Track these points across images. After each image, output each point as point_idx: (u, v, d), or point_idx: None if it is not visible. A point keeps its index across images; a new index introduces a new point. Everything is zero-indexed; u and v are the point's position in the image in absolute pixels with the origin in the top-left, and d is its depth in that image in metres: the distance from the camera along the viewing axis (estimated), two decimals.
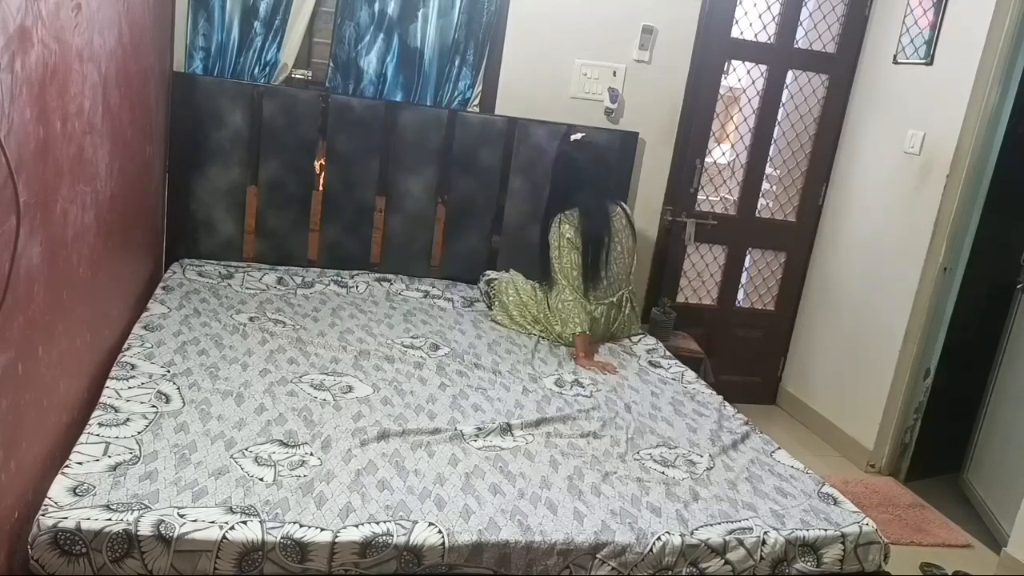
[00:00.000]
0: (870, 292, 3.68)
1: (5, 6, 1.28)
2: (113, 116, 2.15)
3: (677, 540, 1.77)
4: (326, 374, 2.38)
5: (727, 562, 1.79)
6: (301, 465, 1.84)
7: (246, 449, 1.88)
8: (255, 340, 2.55)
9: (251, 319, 2.73)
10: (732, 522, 1.87)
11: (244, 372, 2.30)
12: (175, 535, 1.51)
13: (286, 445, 1.92)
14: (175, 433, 1.90)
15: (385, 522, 1.65)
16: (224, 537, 1.53)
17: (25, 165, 1.42)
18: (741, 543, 1.81)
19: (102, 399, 1.98)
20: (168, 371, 2.21)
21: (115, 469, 1.69)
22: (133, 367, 2.19)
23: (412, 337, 2.80)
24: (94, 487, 1.62)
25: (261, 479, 1.75)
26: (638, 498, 1.93)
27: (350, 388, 2.31)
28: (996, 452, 3.30)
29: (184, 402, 2.06)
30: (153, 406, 2.00)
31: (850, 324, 3.78)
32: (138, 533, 1.50)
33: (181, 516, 1.56)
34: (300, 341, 2.59)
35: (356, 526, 1.63)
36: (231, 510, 1.62)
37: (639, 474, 2.05)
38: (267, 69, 3.26)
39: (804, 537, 1.85)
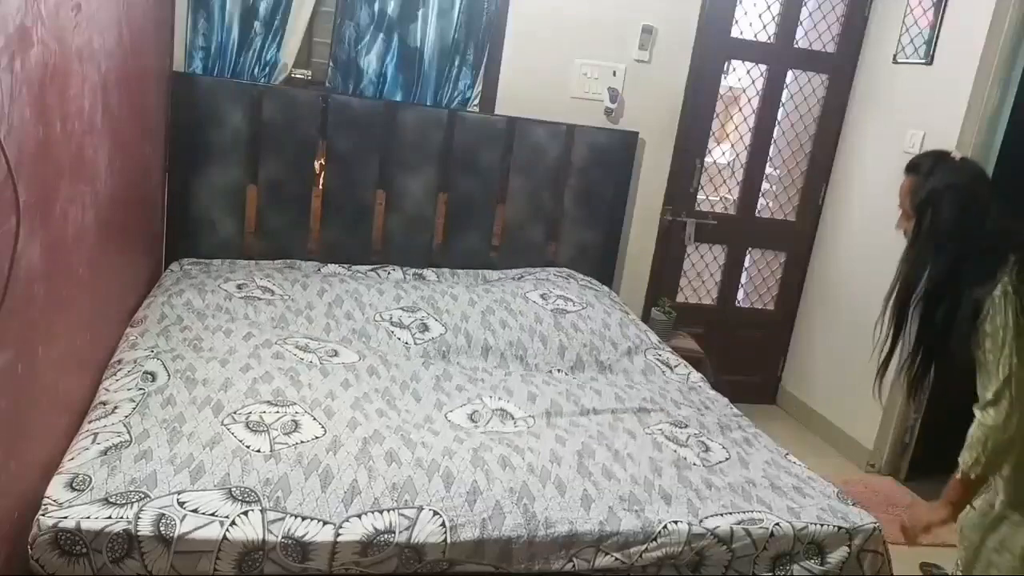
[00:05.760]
0: (870, 292, 3.66)
1: (5, 6, 1.28)
2: (113, 116, 2.14)
3: (684, 528, 1.78)
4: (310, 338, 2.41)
5: (731, 551, 1.80)
6: (295, 429, 1.86)
7: (235, 413, 1.90)
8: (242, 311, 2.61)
9: (239, 286, 2.80)
10: (742, 512, 1.88)
11: (227, 339, 2.37)
12: (175, 535, 1.51)
13: (274, 404, 1.95)
14: (162, 408, 1.91)
15: (389, 510, 1.66)
16: (225, 537, 1.53)
17: (25, 165, 1.42)
18: (748, 534, 1.82)
19: (95, 401, 1.98)
20: (152, 351, 2.23)
21: (106, 453, 1.69)
22: (120, 361, 2.19)
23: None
24: (90, 477, 1.61)
25: (258, 450, 1.76)
26: (651, 481, 1.94)
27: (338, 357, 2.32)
28: None
29: (169, 374, 2.08)
30: (140, 388, 2.01)
31: (850, 324, 3.78)
32: (138, 533, 1.50)
33: (181, 505, 1.56)
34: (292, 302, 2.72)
35: (359, 516, 1.63)
36: (231, 493, 1.62)
37: (651, 453, 2.07)
38: (267, 69, 3.26)
39: (813, 534, 1.86)
